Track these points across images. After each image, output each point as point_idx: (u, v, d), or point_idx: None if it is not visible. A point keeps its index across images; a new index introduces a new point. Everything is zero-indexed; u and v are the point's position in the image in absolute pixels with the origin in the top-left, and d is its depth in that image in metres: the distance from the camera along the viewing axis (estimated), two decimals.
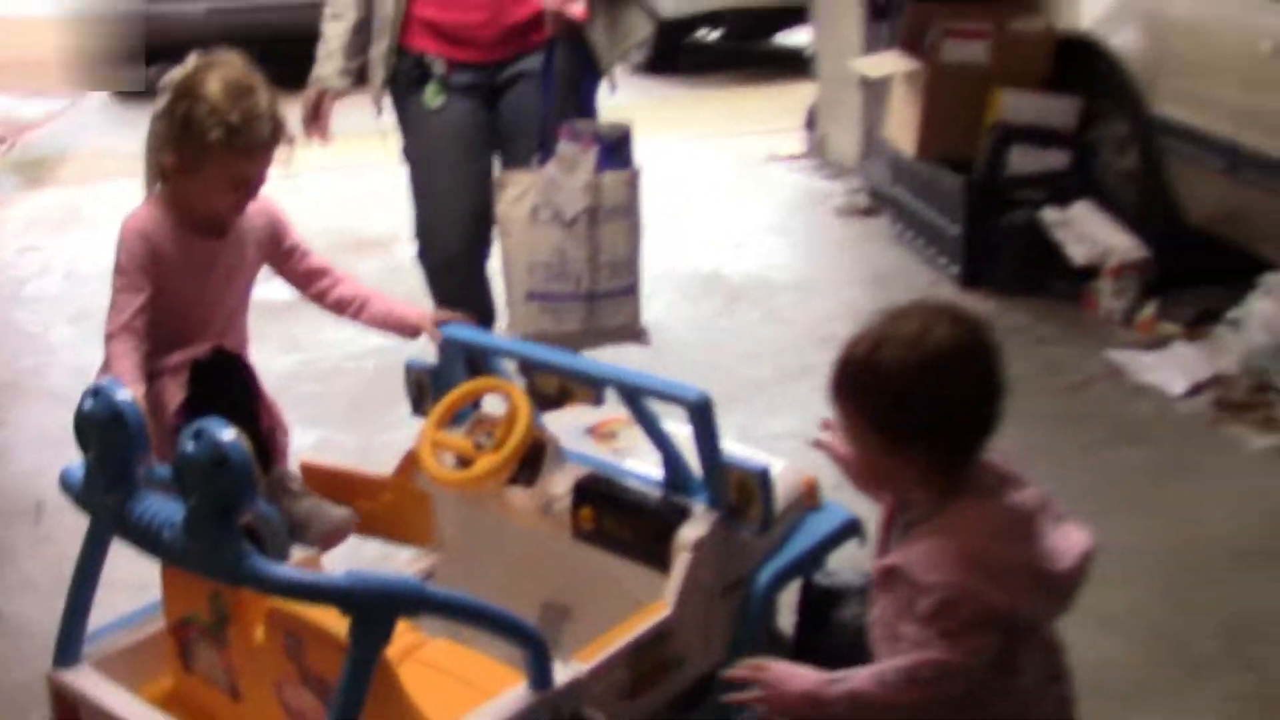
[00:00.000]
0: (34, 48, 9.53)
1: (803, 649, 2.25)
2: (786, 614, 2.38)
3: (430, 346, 2.57)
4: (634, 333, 3.18)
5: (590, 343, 3.08)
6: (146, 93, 9.37)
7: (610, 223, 3.03)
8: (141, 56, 9.43)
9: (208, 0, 8.97)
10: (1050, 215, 4.57)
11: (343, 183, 6.48)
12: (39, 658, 2.83)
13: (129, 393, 1.83)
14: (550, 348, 2.57)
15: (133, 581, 2.35)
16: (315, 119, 3.22)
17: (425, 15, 3.15)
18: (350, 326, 4.56)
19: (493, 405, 2.55)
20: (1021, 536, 1.60)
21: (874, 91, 5.60)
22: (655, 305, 3.97)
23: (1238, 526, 3.20)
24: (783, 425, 3.59)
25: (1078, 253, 4.47)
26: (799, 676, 1.70)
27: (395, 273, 5.12)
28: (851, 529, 2.38)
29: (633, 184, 3.08)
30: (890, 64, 4.92)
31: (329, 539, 2.38)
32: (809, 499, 2.37)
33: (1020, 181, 4.64)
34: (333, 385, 4.26)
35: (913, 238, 5.12)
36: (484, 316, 3.22)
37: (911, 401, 1.58)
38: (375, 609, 1.70)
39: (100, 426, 1.82)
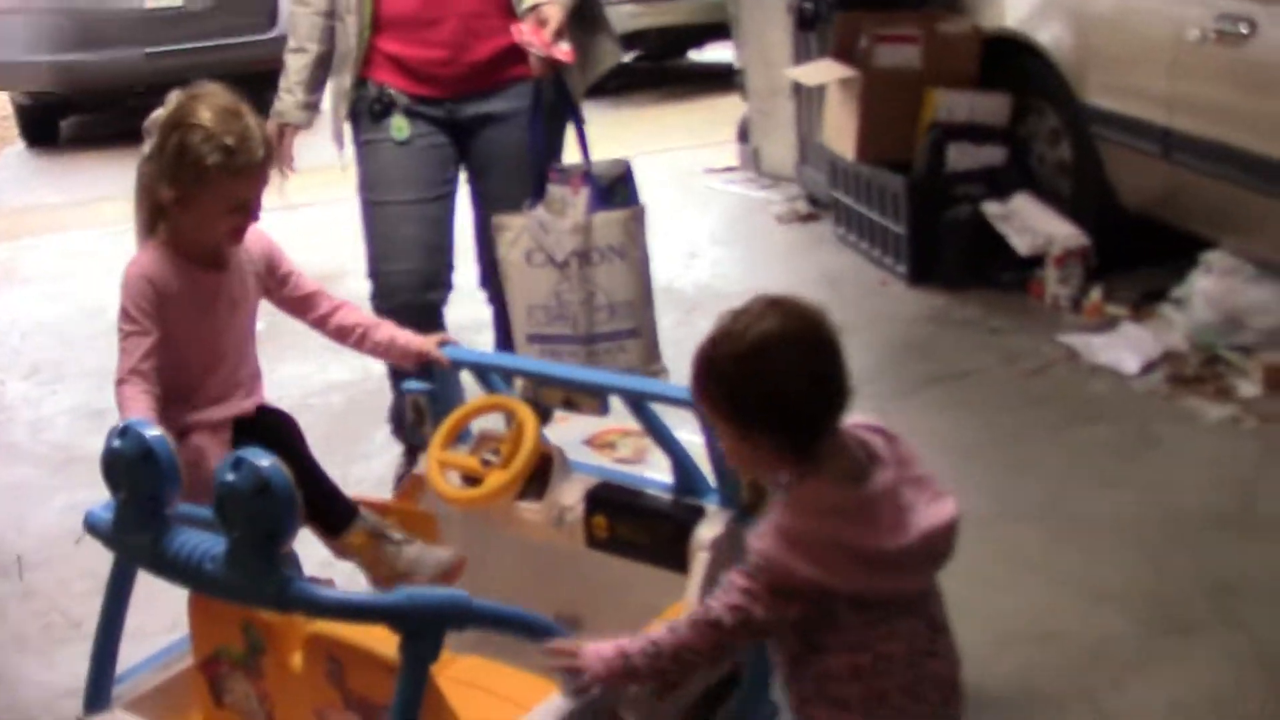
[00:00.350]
0: None
1: None
2: None
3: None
4: (647, 374, 3.01)
5: None
6: (66, 142, 9.34)
7: (605, 264, 2.95)
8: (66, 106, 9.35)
9: (142, 46, 8.90)
10: (992, 209, 4.68)
11: (286, 219, 6.44)
12: (40, 712, 2.84)
13: (158, 430, 1.83)
14: (553, 361, 2.60)
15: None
16: (276, 153, 3.18)
17: (389, 50, 3.15)
18: (309, 362, 4.62)
19: (486, 423, 2.58)
20: (846, 517, 1.67)
21: (806, 101, 5.71)
22: None
23: (1206, 494, 3.31)
24: None
25: (1021, 243, 4.59)
26: (605, 644, 1.82)
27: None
28: None
29: (633, 223, 2.98)
30: (825, 72, 5.01)
31: (441, 582, 2.36)
32: None
33: (960, 178, 4.75)
34: (301, 420, 4.23)
35: (857, 239, 5.22)
36: None
37: (743, 391, 1.68)
38: (426, 624, 1.73)
39: (130, 465, 1.82)
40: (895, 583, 1.71)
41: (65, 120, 9.84)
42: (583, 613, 2.45)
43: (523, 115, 3.12)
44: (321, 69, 3.23)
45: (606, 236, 2.97)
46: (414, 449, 3.16)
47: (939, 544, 1.73)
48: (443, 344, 2.54)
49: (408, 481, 2.59)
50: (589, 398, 2.38)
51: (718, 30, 8.72)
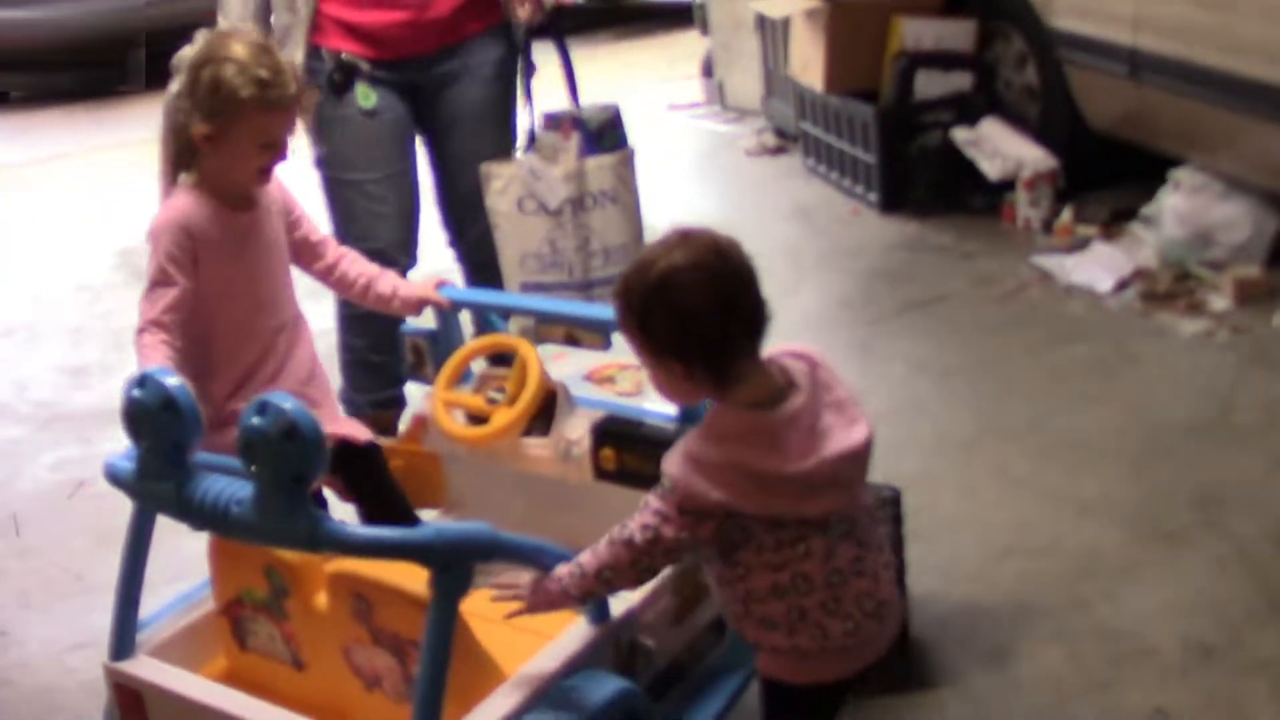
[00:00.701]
0: None
1: None
2: None
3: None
4: None
5: None
6: (15, 101, 9.17)
7: (599, 209, 2.96)
8: None
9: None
10: (961, 135, 4.72)
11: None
12: (48, 667, 2.87)
13: (179, 379, 1.85)
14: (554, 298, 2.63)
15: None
16: None
17: (340, 15, 3.03)
18: None
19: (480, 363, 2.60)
20: (750, 442, 1.73)
21: (771, 34, 5.71)
22: None
23: (1184, 406, 3.39)
24: None
25: (991, 168, 4.64)
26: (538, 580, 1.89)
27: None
28: None
29: (623, 166, 3.00)
30: (790, 3, 5.02)
31: None
32: None
33: (928, 105, 4.78)
34: None
35: (827, 170, 5.25)
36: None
37: (653, 320, 1.74)
38: (455, 558, 1.77)
39: (152, 414, 1.83)
40: (800, 505, 1.76)
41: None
42: (588, 544, 2.50)
43: (485, 69, 3.09)
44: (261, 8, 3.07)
45: (599, 181, 2.98)
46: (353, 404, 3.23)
47: (846, 468, 1.78)
48: (440, 285, 2.56)
49: (412, 422, 2.62)
50: (591, 333, 2.40)
51: None
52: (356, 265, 2.53)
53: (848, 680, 1.89)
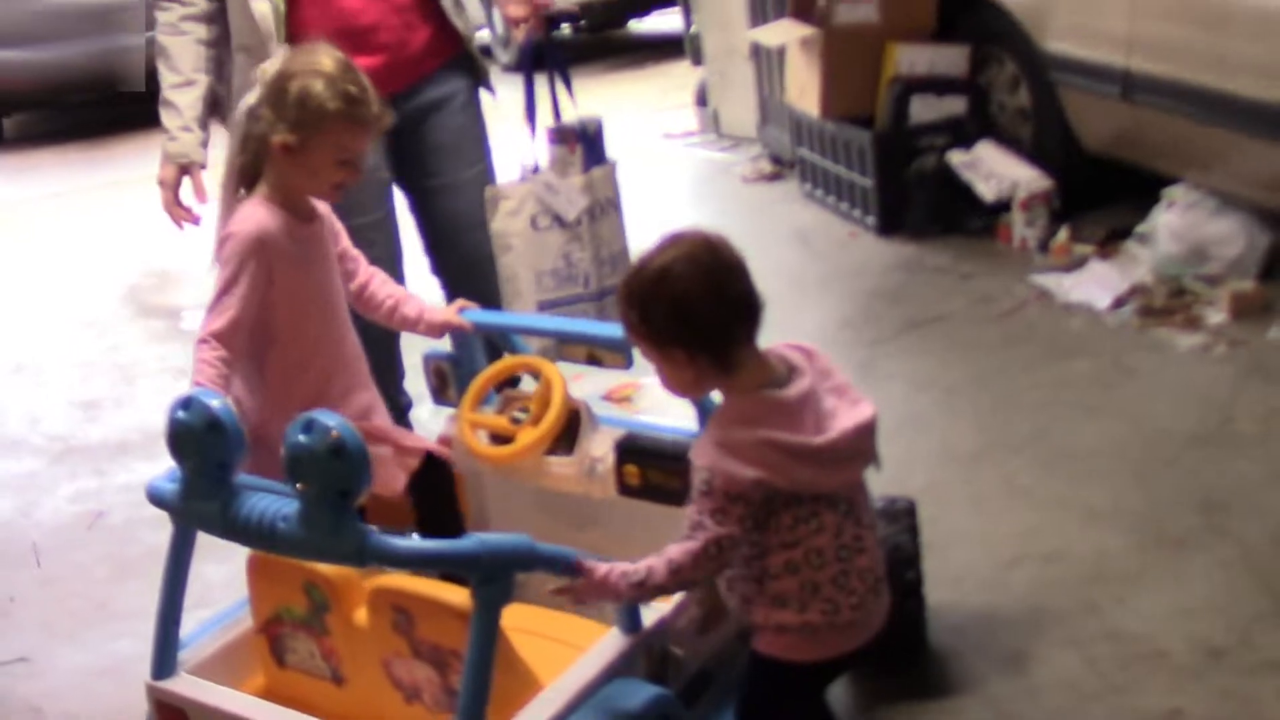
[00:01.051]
0: None
1: None
2: None
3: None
4: None
5: None
6: (10, 141, 9.20)
7: (605, 217, 3.04)
8: None
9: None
10: (956, 158, 4.80)
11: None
12: (75, 693, 2.91)
13: (222, 399, 1.90)
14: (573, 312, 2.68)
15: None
16: (177, 200, 2.98)
17: None
18: None
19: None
20: (771, 420, 1.85)
21: (766, 62, 5.80)
22: None
23: (1184, 417, 3.45)
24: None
25: (987, 190, 4.72)
26: (605, 572, 1.93)
27: None
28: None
29: (614, 174, 3.09)
30: (786, 32, 5.11)
31: None
32: None
33: (924, 129, 4.86)
34: None
35: (824, 194, 5.33)
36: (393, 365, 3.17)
37: (654, 312, 1.88)
38: (498, 568, 1.82)
39: (197, 434, 1.89)
40: (825, 477, 1.90)
41: (8, 119, 9.77)
42: (616, 559, 2.55)
43: (456, 98, 3.12)
44: (209, 103, 3.00)
45: (604, 190, 3.07)
46: None
47: (862, 440, 1.92)
48: (461, 310, 2.62)
49: (437, 443, 2.68)
50: (613, 352, 2.46)
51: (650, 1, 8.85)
52: (386, 286, 2.59)
53: (849, 655, 2.00)
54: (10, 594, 3.31)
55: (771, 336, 1.96)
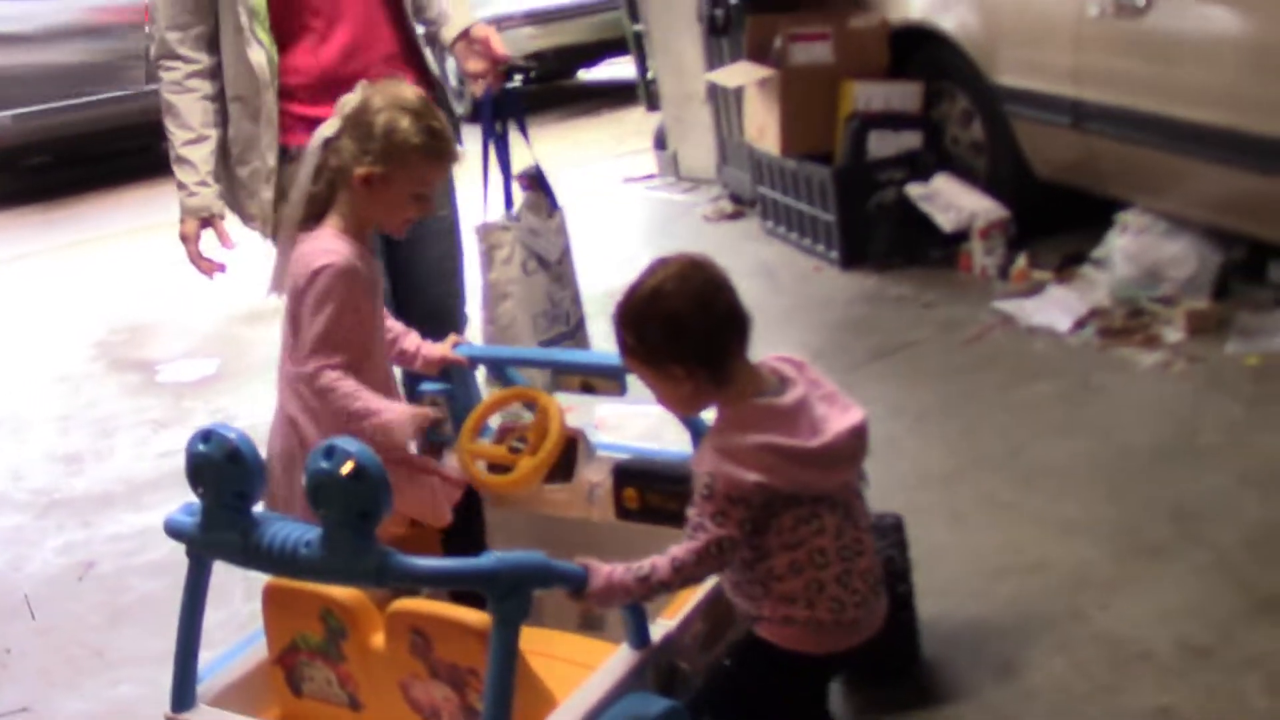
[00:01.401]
0: None
1: None
2: None
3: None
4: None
5: None
6: None
7: (569, 256, 3.14)
8: None
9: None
10: (915, 191, 4.93)
11: (227, 257, 6.52)
12: None
13: (238, 431, 1.95)
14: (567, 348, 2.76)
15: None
16: (200, 253, 3.05)
17: (303, 112, 2.99)
18: (273, 390, 4.71)
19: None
20: (769, 425, 1.96)
21: (723, 103, 5.93)
22: None
23: (1150, 431, 3.56)
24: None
25: (946, 221, 4.85)
26: (609, 571, 2.01)
27: None
28: None
29: (563, 214, 3.19)
30: (743, 74, 5.23)
31: None
32: None
33: (882, 164, 4.99)
34: None
35: (786, 231, 5.44)
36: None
37: (649, 330, 1.99)
38: (516, 585, 1.88)
39: (218, 466, 1.93)
40: (824, 478, 2.00)
41: None
42: None
43: None
44: (219, 155, 3.05)
45: (566, 231, 3.19)
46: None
47: (856, 442, 2.03)
48: (456, 345, 2.68)
49: None
50: (607, 380, 2.53)
51: (612, 47, 8.96)
52: (385, 321, 2.64)
53: (848, 652, 2.09)
54: (6, 646, 3.31)
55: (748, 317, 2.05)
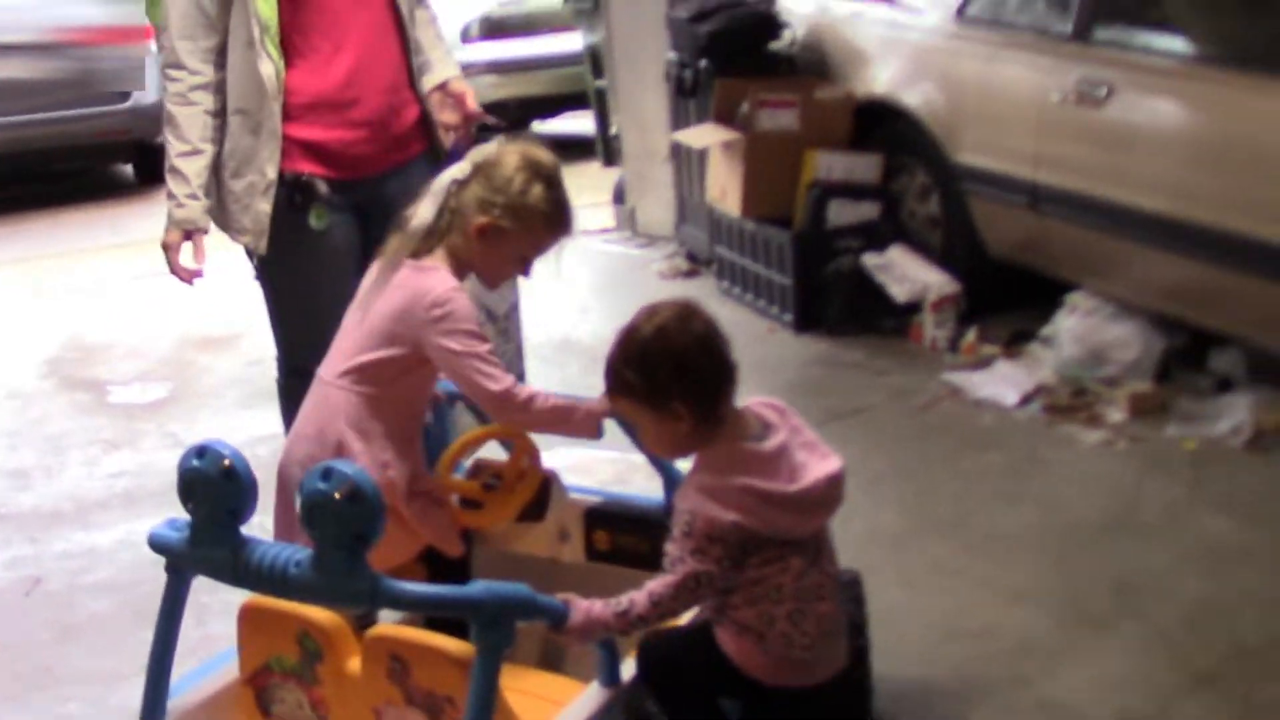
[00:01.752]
0: None
1: None
2: None
3: None
4: None
5: None
6: None
7: (516, 312, 3.23)
8: None
9: None
10: (871, 260, 5.05)
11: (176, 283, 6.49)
12: None
13: (232, 448, 1.98)
14: None
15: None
16: (179, 262, 3.08)
17: (305, 137, 3.06)
18: (225, 417, 4.72)
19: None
20: (751, 469, 2.06)
21: (685, 163, 6.03)
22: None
23: (1094, 507, 3.67)
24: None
25: (900, 291, 4.96)
26: (587, 606, 2.08)
27: (252, 366, 5.23)
28: None
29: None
30: (710, 135, 5.35)
31: None
32: None
33: (840, 232, 5.10)
34: None
35: (741, 292, 5.53)
36: None
37: (656, 369, 2.09)
38: (501, 614, 1.92)
39: (212, 482, 1.96)
40: (799, 522, 2.10)
41: None
42: None
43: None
44: (212, 170, 3.08)
45: (516, 285, 3.27)
46: None
47: (832, 490, 2.15)
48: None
49: None
50: None
51: (572, 101, 9.08)
52: None
53: (783, 689, 2.17)
54: None
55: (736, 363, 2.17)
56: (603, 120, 7.87)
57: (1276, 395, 4.06)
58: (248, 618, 2.23)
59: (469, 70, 8.71)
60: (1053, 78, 4.35)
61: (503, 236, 2.47)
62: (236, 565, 1.96)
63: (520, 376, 3.25)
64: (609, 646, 2.16)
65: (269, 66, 2.97)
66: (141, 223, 8.65)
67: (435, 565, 2.53)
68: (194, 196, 3.03)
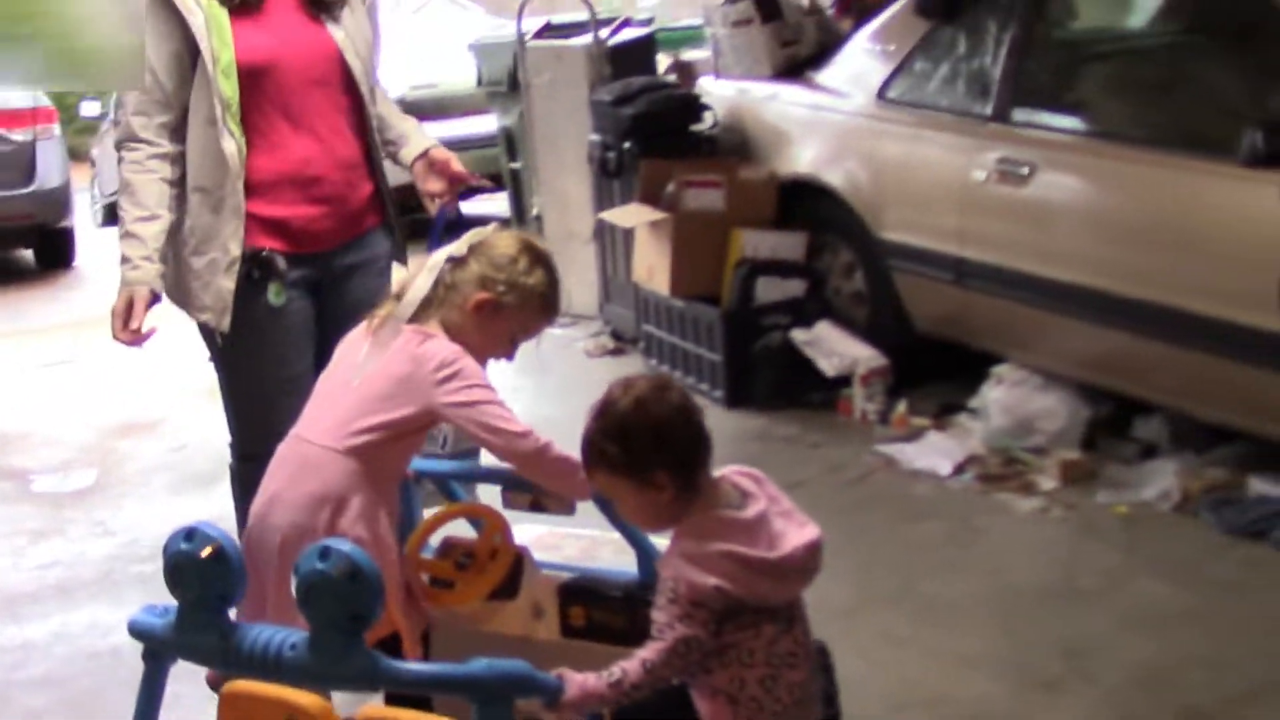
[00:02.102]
0: None
1: None
2: None
3: None
4: None
5: None
6: None
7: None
8: None
9: None
10: (799, 336, 5.13)
11: (100, 368, 6.38)
12: None
13: (220, 530, 1.95)
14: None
15: None
16: (129, 323, 2.99)
17: (266, 214, 3.06)
18: (153, 503, 4.64)
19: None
20: (734, 536, 2.09)
21: (609, 243, 6.10)
22: None
23: (1033, 573, 3.75)
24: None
25: (828, 366, 5.05)
26: (581, 680, 2.08)
27: (175, 453, 5.15)
28: None
29: None
30: (637, 215, 5.42)
31: None
32: None
33: (768, 309, 5.18)
34: None
35: (670, 369, 5.57)
36: None
37: (636, 440, 2.11)
38: (501, 691, 1.91)
39: (200, 565, 1.93)
40: (779, 589, 2.12)
41: None
42: None
43: (379, 261, 3.23)
44: (170, 246, 3.06)
45: None
46: None
47: (811, 558, 2.18)
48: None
49: None
50: (557, 499, 2.59)
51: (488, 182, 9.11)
52: None
53: None
54: None
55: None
56: (518, 201, 7.92)
57: (1200, 460, 4.20)
58: (230, 704, 2.18)
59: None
60: (975, 157, 4.50)
61: (500, 314, 2.51)
62: (227, 650, 1.92)
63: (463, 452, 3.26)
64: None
65: (231, 144, 2.98)
66: (45, 308, 8.55)
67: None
68: (149, 259, 3.00)
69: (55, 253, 9.72)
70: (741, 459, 4.62)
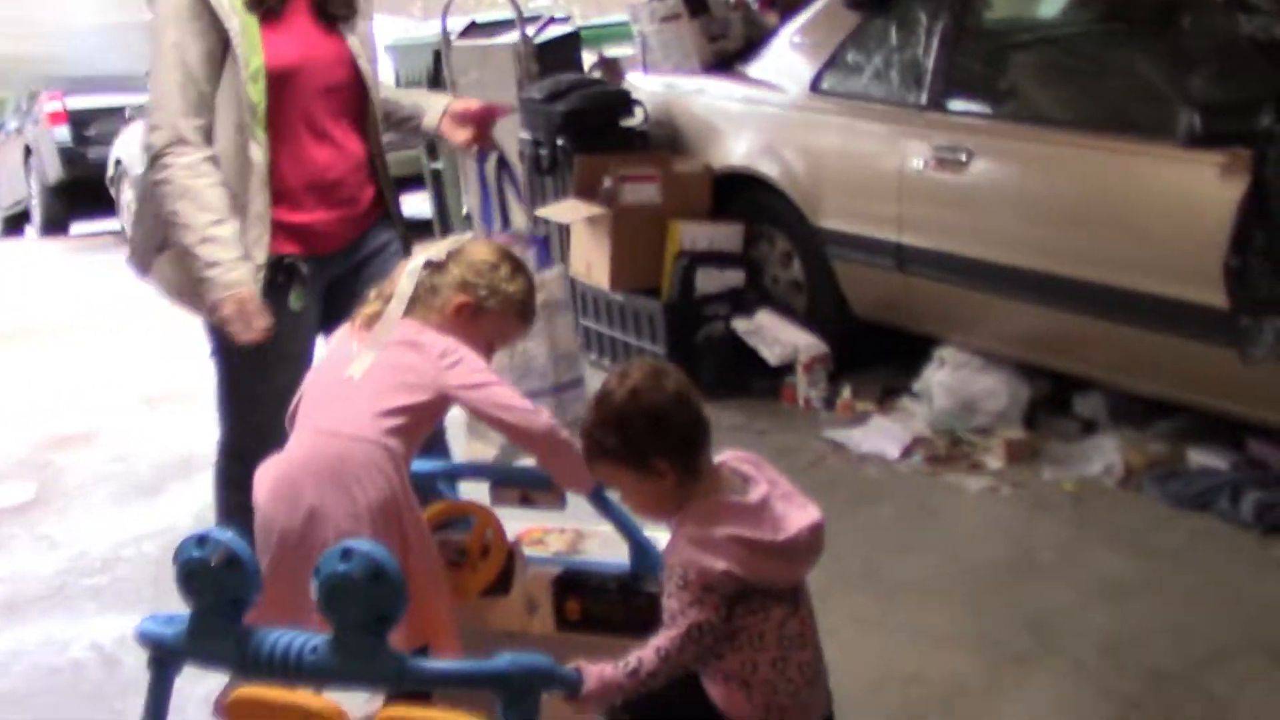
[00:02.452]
0: None
1: None
2: None
3: None
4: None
5: None
6: None
7: (558, 317, 3.23)
8: None
9: None
10: (741, 325, 5.18)
11: (21, 382, 6.22)
12: None
13: (232, 534, 1.93)
14: (507, 465, 2.80)
15: None
16: (254, 323, 2.96)
17: (284, 219, 3.04)
18: (100, 515, 4.55)
19: None
20: (739, 519, 2.11)
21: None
22: None
23: (990, 550, 3.83)
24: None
25: (771, 355, 5.10)
26: (599, 671, 2.10)
27: (116, 463, 5.05)
28: None
29: (564, 278, 3.28)
30: (574, 210, 5.42)
31: None
32: None
33: (708, 299, 5.22)
34: (118, 573, 4.16)
35: (610, 363, 5.59)
36: None
37: (635, 428, 2.13)
38: (527, 686, 1.92)
39: (214, 571, 1.91)
40: (786, 571, 2.14)
41: None
42: None
43: (391, 246, 3.23)
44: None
45: (555, 291, 3.28)
46: None
47: (815, 539, 2.19)
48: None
49: None
50: (546, 493, 2.60)
51: (407, 184, 9.05)
52: None
53: None
54: None
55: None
56: (440, 202, 7.89)
57: (1139, 435, 4.32)
58: (238, 711, 2.16)
59: None
60: (912, 145, 4.58)
61: (480, 317, 2.52)
62: (243, 655, 1.90)
63: (556, 386, 3.33)
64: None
65: (259, 151, 2.95)
66: None
67: None
68: (242, 259, 2.93)
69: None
70: None
